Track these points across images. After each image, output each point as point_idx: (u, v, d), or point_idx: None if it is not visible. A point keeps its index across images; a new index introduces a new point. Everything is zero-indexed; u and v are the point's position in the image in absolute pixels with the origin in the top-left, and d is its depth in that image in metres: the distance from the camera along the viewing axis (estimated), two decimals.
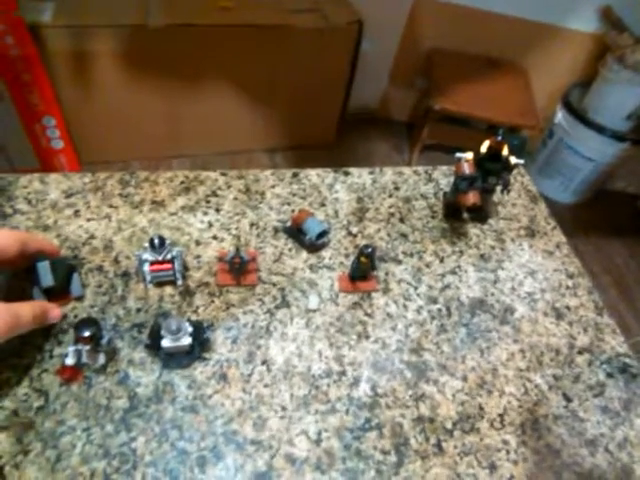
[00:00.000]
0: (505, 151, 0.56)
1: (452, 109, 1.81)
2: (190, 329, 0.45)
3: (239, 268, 0.51)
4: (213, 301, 0.51)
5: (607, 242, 2.08)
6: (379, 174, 0.66)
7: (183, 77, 1.62)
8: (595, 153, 1.91)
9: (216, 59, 1.60)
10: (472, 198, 0.55)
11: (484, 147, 0.56)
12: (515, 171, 0.70)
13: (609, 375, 0.51)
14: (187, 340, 0.44)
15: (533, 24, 1.90)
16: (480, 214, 0.62)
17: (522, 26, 1.90)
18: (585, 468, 0.45)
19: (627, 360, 0.52)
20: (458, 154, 0.57)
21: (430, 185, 0.67)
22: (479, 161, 0.56)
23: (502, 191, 0.58)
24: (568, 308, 0.56)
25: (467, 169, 0.56)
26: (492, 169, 0.56)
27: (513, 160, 0.56)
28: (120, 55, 1.49)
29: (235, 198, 0.61)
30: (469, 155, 0.57)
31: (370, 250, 0.50)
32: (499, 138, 0.55)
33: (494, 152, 0.56)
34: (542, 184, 2.14)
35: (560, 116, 1.98)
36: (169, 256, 0.49)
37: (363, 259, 0.51)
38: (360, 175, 0.66)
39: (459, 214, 0.62)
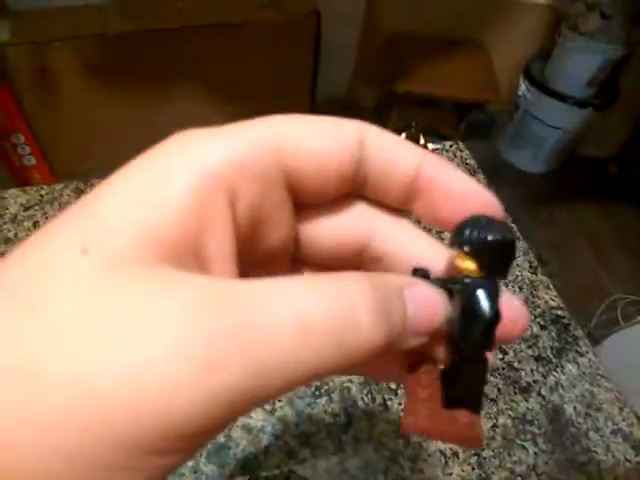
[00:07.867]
0: None
1: (415, 90, 1.85)
2: None
3: None
4: None
5: (581, 207, 2.13)
6: None
7: (149, 82, 1.64)
8: (560, 121, 1.95)
9: (180, 62, 1.62)
10: None
11: None
12: (454, 147, 0.73)
13: (542, 327, 0.55)
14: None
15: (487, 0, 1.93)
16: None
17: (477, 2, 1.94)
18: (519, 412, 0.49)
19: (559, 312, 0.57)
20: None
21: None
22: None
23: None
24: None
25: None
26: None
27: None
28: (83, 65, 1.51)
29: None
30: None
31: None
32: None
33: None
34: (513, 156, 2.18)
35: (523, 88, 2.02)
36: None
37: None
38: None
39: None
